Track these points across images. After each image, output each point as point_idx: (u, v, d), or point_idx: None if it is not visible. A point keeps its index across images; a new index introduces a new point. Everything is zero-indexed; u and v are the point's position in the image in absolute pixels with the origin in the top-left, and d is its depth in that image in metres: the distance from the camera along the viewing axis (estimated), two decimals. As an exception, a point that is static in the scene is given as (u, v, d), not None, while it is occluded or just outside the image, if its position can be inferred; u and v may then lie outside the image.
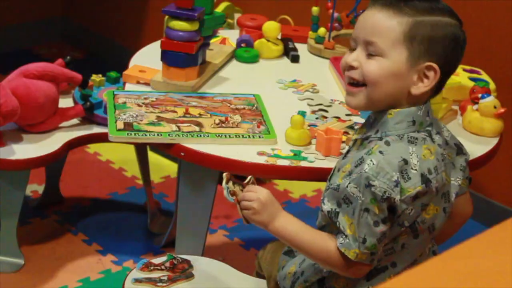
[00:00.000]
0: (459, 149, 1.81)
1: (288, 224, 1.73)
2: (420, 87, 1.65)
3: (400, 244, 1.71)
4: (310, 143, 1.98)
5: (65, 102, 2.62)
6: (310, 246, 1.70)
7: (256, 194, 1.73)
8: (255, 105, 2.15)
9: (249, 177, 1.78)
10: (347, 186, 1.64)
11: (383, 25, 1.65)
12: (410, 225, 1.68)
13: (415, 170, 1.64)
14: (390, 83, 1.65)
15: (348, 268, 1.68)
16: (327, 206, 1.68)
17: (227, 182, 1.76)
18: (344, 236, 1.65)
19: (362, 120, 2.04)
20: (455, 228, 1.90)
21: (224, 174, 1.77)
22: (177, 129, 2.00)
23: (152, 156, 3.02)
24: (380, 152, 1.63)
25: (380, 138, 1.67)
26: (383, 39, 1.64)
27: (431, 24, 1.64)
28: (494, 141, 2.10)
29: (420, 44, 1.64)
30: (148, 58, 2.32)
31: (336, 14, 2.50)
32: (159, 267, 1.99)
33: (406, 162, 1.63)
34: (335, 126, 2.03)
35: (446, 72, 1.68)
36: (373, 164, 1.61)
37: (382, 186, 1.61)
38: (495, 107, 2.12)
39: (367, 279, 1.73)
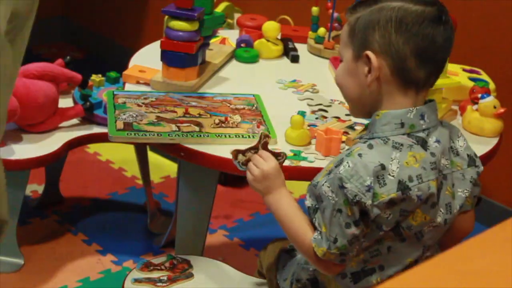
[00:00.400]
0: (471, 161, 1.77)
1: (282, 202, 1.73)
2: (368, 78, 1.66)
3: (385, 246, 1.69)
4: (310, 143, 1.98)
5: (65, 102, 2.62)
6: (292, 230, 1.70)
7: (263, 163, 1.75)
8: (255, 105, 2.15)
9: (260, 133, 1.78)
10: (323, 185, 1.64)
11: (342, 32, 1.73)
12: (393, 229, 1.66)
13: (392, 176, 1.61)
14: (347, 82, 1.70)
15: (318, 263, 1.69)
16: (308, 202, 1.69)
17: (236, 158, 1.77)
18: (319, 232, 1.66)
19: (361, 120, 2.04)
20: (453, 243, 1.87)
21: (230, 152, 1.77)
22: (177, 129, 2.00)
23: (152, 156, 3.02)
24: (359, 155, 1.62)
25: (367, 140, 1.66)
26: (341, 45, 1.72)
27: (368, 15, 1.65)
28: (494, 141, 2.10)
29: (358, 37, 1.66)
30: (148, 58, 2.32)
31: (336, 14, 2.50)
32: (159, 267, 1.99)
33: (383, 167, 1.61)
34: (335, 126, 2.03)
35: (398, 56, 1.62)
36: (349, 166, 1.61)
37: (353, 189, 1.60)
38: (494, 107, 2.12)
39: (354, 281, 1.72)
